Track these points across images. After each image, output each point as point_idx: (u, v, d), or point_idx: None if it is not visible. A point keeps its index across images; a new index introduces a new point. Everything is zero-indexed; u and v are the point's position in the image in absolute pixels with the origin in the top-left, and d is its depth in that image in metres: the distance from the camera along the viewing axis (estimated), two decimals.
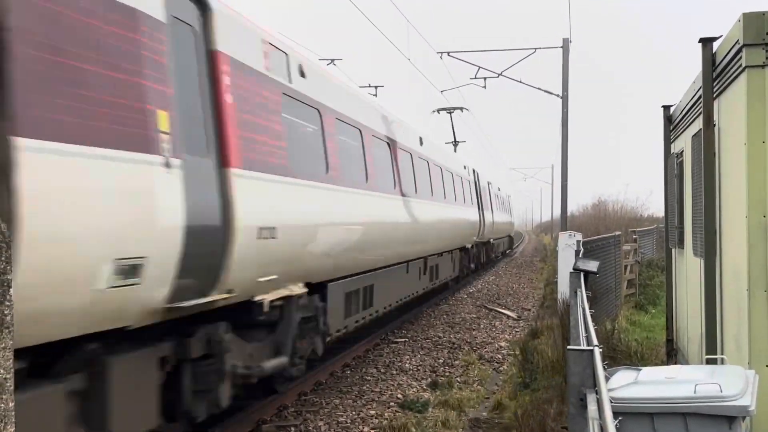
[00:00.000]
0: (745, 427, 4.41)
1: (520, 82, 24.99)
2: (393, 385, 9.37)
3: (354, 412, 8.08)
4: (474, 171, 23.44)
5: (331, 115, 8.30)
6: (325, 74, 8.66)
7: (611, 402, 3.46)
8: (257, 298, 6.19)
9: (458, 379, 9.74)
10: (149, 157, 4.49)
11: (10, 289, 2.39)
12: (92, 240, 4.00)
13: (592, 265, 8.56)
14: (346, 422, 7.73)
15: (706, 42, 6.60)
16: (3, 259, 2.32)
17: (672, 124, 10.56)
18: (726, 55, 6.08)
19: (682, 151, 9.28)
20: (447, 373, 10.03)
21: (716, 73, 6.51)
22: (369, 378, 9.71)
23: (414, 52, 22.47)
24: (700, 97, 6.86)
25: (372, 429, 7.54)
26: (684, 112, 8.86)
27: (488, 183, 27.74)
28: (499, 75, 24.90)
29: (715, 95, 6.58)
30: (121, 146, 4.25)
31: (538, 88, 25.05)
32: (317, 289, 7.80)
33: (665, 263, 12.74)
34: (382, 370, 10.17)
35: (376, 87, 24.45)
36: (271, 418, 7.82)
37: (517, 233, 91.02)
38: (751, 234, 5.55)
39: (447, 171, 16.87)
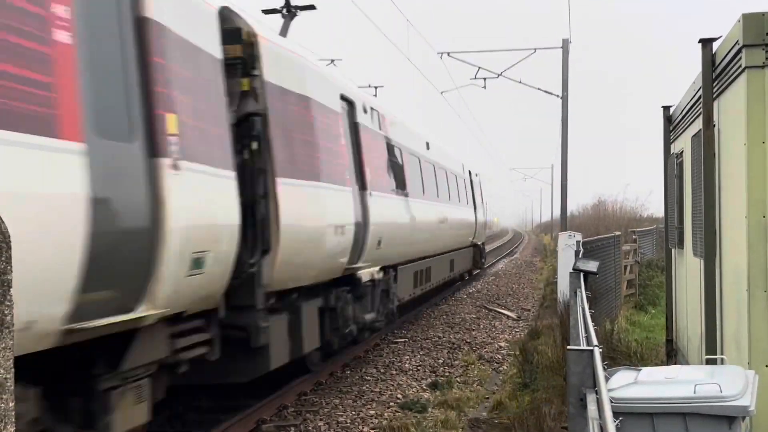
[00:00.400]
0: (744, 427, 4.42)
1: (520, 82, 25.01)
2: (393, 385, 9.38)
3: (354, 412, 8.08)
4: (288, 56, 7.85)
5: None
6: None
7: (611, 402, 3.46)
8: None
9: (458, 379, 9.74)
10: None
11: (10, 289, 2.39)
12: None
13: (592, 266, 8.58)
14: (346, 422, 7.74)
15: (706, 42, 6.61)
16: (3, 259, 2.32)
17: (672, 124, 10.57)
18: (726, 56, 6.09)
19: (682, 151, 9.29)
20: (447, 374, 10.04)
21: (716, 73, 6.52)
22: (369, 378, 9.72)
23: (414, 52, 22.49)
24: (699, 98, 6.87)
25: (372, 429, 7.54)
26: (684, 113, 8.87)
27: (391, 121, 12.31)
28: (498, 75, 24.92)
29: (714, 96, 6.58)
30: None
31: (538, 89, 25.07)
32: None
33: (665, 263, 12.75)
34: (382, 370, 10.17)
35: (376, 87, 24.46)
36: (271, 418, 7.82)
37: (516, 233, 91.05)
38: (750, 234, 5.56)
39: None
